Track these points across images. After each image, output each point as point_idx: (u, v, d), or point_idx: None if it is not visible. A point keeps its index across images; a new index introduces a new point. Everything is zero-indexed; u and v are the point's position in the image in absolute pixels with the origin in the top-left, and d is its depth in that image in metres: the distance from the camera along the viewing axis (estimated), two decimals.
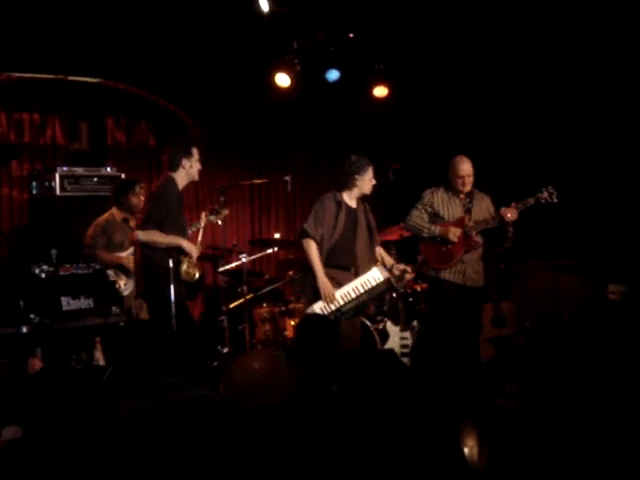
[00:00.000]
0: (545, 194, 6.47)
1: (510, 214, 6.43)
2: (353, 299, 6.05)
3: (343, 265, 6.15)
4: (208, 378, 6.14)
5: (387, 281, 6.15)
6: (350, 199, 6.21)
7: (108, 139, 8.85)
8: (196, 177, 5.92)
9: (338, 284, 6.08)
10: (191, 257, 5.72)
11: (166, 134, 9.00)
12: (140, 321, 5.73)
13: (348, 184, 6.18)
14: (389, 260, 6.40)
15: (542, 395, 3.74)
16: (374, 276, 6.12)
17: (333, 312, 5.97)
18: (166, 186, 5.73)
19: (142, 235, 5.56)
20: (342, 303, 6.01)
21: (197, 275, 5.82)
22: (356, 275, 6.14)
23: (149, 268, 5.58)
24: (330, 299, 5.98)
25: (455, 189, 6.62)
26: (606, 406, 3.42)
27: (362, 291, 6.07)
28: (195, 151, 5.86)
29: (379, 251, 6.40)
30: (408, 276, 6.43)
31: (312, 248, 6.04)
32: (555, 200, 6.47)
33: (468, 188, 6.59)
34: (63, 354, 5.93)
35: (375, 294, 6.16)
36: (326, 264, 6.08)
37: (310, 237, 6.06)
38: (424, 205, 6.69)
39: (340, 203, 6.16)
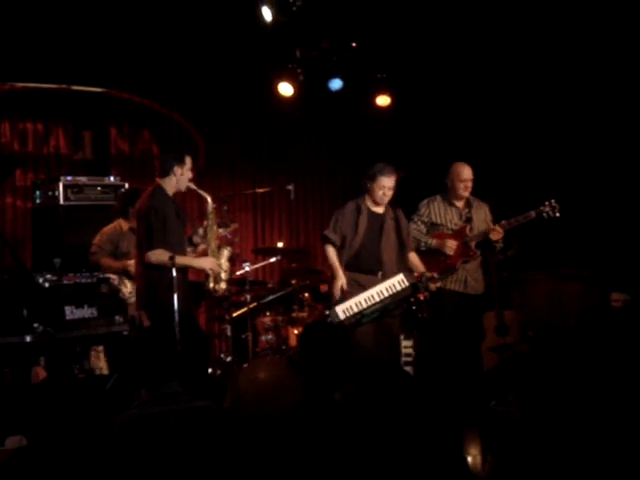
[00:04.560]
0: (547, 208, 6.48)
1: (495, 234, 6.45)
2: (377, 302, 5.98)
3: (367, 270, 6.19)
4: (211, 387, 6.15)
5: (413, 287, 6.10)
6: (373, 204, 6.26)
7: (111, 148, 8.87)
8: (183, 187, 5.71)
9: (363, 288, 6.08)
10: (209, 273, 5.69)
11: (169, 143, 9.00)
12: (143, 330, 5.72)
13: (364, 189, 6.27)
14: (420, 267, 6.37)
15: (545, 403, 3.74)
16: (400, 280, 6.06)
17: (355, 315, 5.93)
18: (155, 198, 5.58)
19: (153, 257, 5.43)
20: (365, 306, 5.97)
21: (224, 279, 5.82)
22: (383, 280, 6.13)
23: (149, 279, 5.56)
24: (337, 294, 6.05)
25: (455, 195, 6.63)
26: (609, 413, 3.42)
27: (386, 295, 6.01)
28: (188, 159, 5.67)
29: (412, 257, 6.40)
30: (433, 286, 6.38)
31: (329, 251, 6.22)
32: (557, 214, 6.47)
33: (468, 194, 6.62)
34: (66, 363, 5.93)
35: (399, 299, 6.09)
36: (350, 268, 6.16)
37: (328, 242, 6.23)
38: (420, 217, 6.71)
39: (359, 208, 6.23)
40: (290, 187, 7.84)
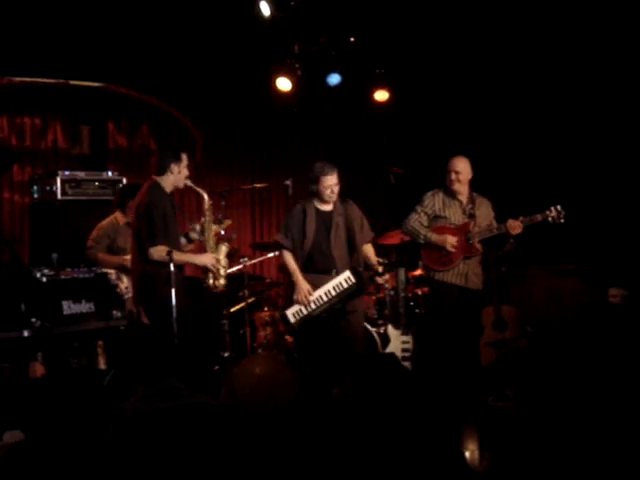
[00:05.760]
0: (553, 213, 6.45)
1: (516, 229, 6.42)
2: (325, 302, 6.16)
3: (321, 269, 6.24)
4: (209, 382, 6.14)
5: (359, 282, 6.19)
6: (321, 203, 6.28)
7: (109, 143, 8.86)
8: (181, 185, 5.73)
9: (316, 288, 6.21)
10: (209, 269, 5.73)
11: (167, 138, 9.00)
12: (141, 325, 5.71)
13: (311, 193, 6.30)
14: (373, 259, 6.42)
15: (543, 398, 3.75)
16: (346, 278, 6.17)
17: (304, 317, 6.16)
18: (154, 194, 5.59)
19: (156, 254, 5.44)
20: (314, 307, 6.16)
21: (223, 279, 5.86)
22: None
23: (146, 274, 5.55)
24: (302, 303, 6.15)
25: (449, 188, 6.62)
26: (607, 407, 3.42)
27: (334, 294, 6.16)
28: (184, 157, 5.69)
29: (366, 249, 6.42)
30: (380, 279, 6.50)
31: (285, 256, 6.31)
32: (562, 220, 6.45)
33: (457, 186, 6.57)
34: (64, 358, 5.92)
35: (346, 295, 6.18)
36: (305, 270, 6.23)
37: (282, 247, 6.32)
38: (424, 208, 6.68)
39: (305, 211, 6.27)
40: (288, 182, 7.82)
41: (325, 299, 6.16)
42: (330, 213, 6.29)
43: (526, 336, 7.17)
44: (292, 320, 6.17)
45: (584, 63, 8.21)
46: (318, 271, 6.23)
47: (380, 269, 6.31)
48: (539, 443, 3.41)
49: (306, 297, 6.15)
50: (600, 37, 7.87)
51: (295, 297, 6.18)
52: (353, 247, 6.28)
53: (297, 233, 6.25)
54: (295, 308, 6.19)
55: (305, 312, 6.16)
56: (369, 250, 6.45)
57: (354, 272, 6.18)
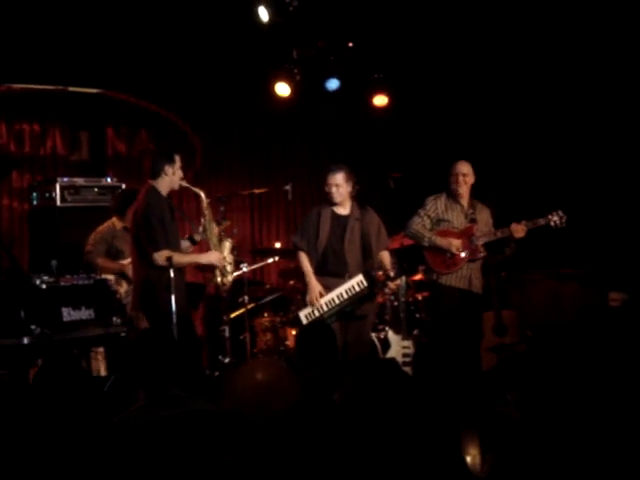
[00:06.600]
0: (556, 217, 6.48)
1: (520, 232, 6.44)
2: (336, 305, 6.18)
3: (334, 272, 6.27)
4: (209, 388, 6.14)
5: (371, 287, 6.21)
6: (337, 207, 6.33)
7: (108, 149, 8.85)
8: (176, 186, 5.76)
9: (329, 291, 6.23)
10: (216, 267, 5.77)
11: (166, 144, 8.99)
12: (141, 331, 5.70)
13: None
14: (388, 267, 6.41)
15: (544, 403, 3.74)
16: (359, 282, 6.19)
17: (317, 317, 6.18)
18: (151, 199, 5.60)
19: (160, 259, 5.42)
20: (326, 309, 6.19)
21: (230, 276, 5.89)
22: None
23: (147, 280, 5.55)
24: (313, 304, 6.19)
25: (453, 192, 6.64)
26: (608, 412, 3.41)
27: (345, 297, 6.18)
28: (178, 158, 5.71)
29: (382, 255, 6.42)
30: (392, 284, 6.53)
31: (300, 257, 6.35)
32: (564, 225, 6.48)
33: (463, 189, 6.62)
34: (63, 365, 5.91)
35: (357, 299, 6.21)
36: (318, 272, 6.27)
37: (297, 248, 6.37)
38: (427, 211, 6.70)
39: (320, 213, 6.32)
40: (288, 187, 7.83)
41: (337, 302, 6.17)
42: (346, 217, 6.33)
43: (526, 340, 7.16)
44: (305, 321, 6.20)
45: (583, 68, 8.21)
46: (331, 274, 6.26)
47: (392, 273, 6.31)
48: (539, 447, 3.39)
49: (317, 299, 6.17)
50: (600, 41, 7.87)
51: (307, 298, 6.21)
52: (368, 253, 6.30)
53: (312, 235, 6.30)
54: (308, 310, 6.22)
55: (317, 314, 6.17)
56: (385, 257, 6.45)
57: (367, 276, 6.18)
